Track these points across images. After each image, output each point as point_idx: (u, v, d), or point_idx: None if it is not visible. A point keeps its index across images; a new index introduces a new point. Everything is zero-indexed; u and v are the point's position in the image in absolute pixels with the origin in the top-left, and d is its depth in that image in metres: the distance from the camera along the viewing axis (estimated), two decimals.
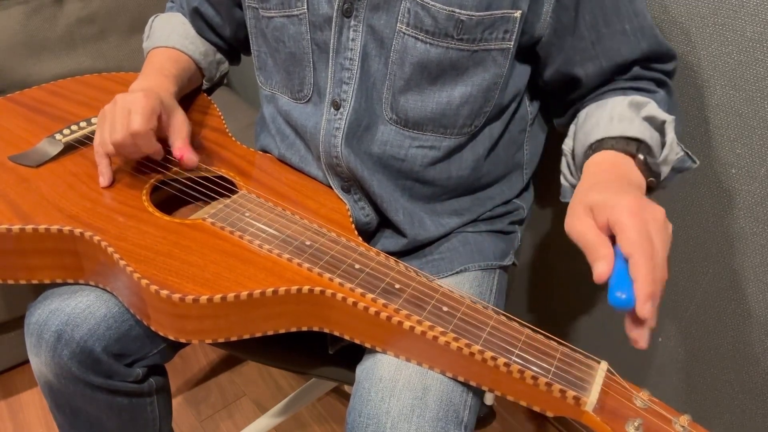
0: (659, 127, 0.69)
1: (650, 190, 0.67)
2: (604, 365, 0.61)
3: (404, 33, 0.71)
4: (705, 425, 0.56)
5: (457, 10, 0.68)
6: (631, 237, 0.53)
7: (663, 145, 0.70)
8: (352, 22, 0.73)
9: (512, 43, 0.71)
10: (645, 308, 0.51)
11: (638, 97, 0.71)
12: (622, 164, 0.66)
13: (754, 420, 0.96)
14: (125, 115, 0.73)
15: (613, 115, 0.69)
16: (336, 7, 0.72)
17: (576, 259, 1.11)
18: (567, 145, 0.77)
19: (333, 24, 0.73)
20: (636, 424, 0.55)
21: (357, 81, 0.75)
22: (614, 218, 0.55)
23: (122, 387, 0.76)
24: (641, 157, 0.66)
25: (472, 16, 0.69)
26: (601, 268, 0.53)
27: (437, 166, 0.79)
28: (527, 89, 0.81)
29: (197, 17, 0.94)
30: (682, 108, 0.86)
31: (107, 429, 0.81)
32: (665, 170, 0.70)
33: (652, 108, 0.69)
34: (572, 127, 0.77)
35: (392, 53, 0.73)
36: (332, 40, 0.74)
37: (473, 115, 0.76)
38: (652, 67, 0.75)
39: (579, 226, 0.57)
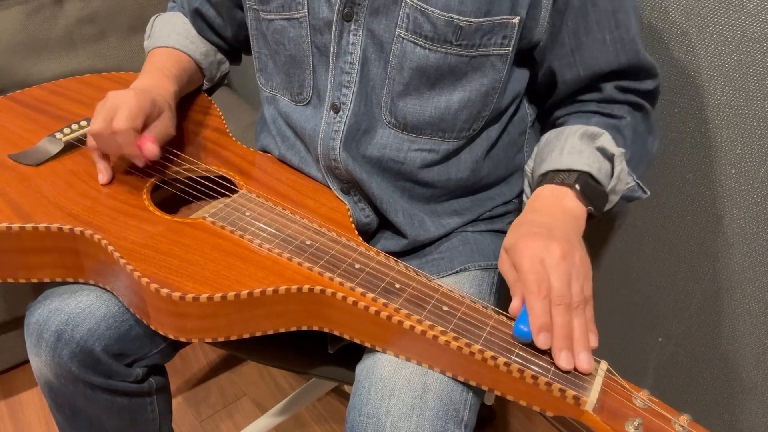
0: (610, 158, 0.72)
1: (592, 217, 0.71)
2: (603, 365, 0.61)
3: (403, 38, 0.71)
4: (705, 425, 0.56)
5: (456, 17, 0.69)
6: (524, 278, 0.60)
7: (611, 175, 0.72)
8: (352, 26, 0.73)
9: (510, 48, 0.72)
10: (539, 339, 0.59)
11: (592, 129, 0.73)
12: (559, 198, 0.70)
13: (754, 420, 0.96)
14: (112, 110, 0.72)
15: (564, 147, 0.72)
16: (336, 11, 0.72)
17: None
18: (528, 166, 0.79)
19: (333, 28, 0.73)
20: (636, 423, 0.55)
21: (356, 85, 0.75)
22: (515, 261, 0.62)
23: (122, 387, 0.76)
24: (577, 187, 0.69)
25: (471, 22, 0.69)
26: (513, 304, 0.62)
27: (435, 169, 0.79)
28: (527, 92, 0.81)
29: (198, 18, 0.94)
30: (682, 108, 0.86)
31: (107, 429, 0.81)
32: (613, 199, 0.74)
33: (605, 140, 0.72)
34: (535, 149, 0.79)
35: (391, 58, 0.73)
36: (332, 44, 0.74)
37: (471, 120, 0.76)
38: (627, 88, 0.76)
39: (500, 265, 0.66)
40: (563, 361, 0.58)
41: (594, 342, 0.60)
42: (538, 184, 0.73)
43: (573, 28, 0.73)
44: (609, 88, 0.76)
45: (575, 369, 0.59)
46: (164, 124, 0.79)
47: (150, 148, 0.74)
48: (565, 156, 0.71)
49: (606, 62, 0.74)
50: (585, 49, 0.74)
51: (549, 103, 0.82)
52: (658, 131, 0.81)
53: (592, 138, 0.72)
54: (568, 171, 0.70)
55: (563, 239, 0.63)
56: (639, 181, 0.76)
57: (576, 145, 0.72)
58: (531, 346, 0.61)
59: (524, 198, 0.79)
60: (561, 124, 0.79)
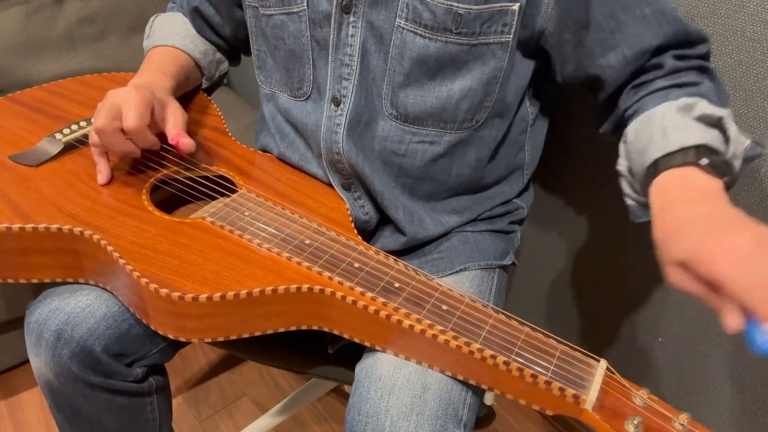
0: (716, 123, 0.64)
1: (728, 188, 0.63)
2: (603, 364, 0.61)
3: (403, 28, 0.71)
4: (705, 425, 0.56)
5: (455, 4, 0.68)
6: (732, 289, 0.50)
7: (727, 140, 0.65)
8: (351, 18, 0.73)
9: (511, 36, 0.71)
10: None
11: (685, 99, 0.66)
12: (688, 180, 0.61)
13: (754, 420, 0.96)
14: (113, 106, 0.72)
15: (666, 126, 0.64)
16: (335, 4, 0.72)
17: (575, 258, 1.11)
18: (622, 165, 0.71)
19: (332, 20, 0.73)
20: (635, 422, 0.55)
21: (357, 77, 0.75)
22: (709, 276, 0.52)
23: (122, 387, 0.76)
24: (705, 162, 0.61)
25: (471, 9, 0.69)
26: (731, 324, 0.51)
27: (438, 162, 0.79)
28: (528, 90, 0.81)
29: (197, 16, 0.94)
30: None
31: (107, 429, 0.81)
32: (737, 164, 0.66)
33: (704, 106, 0.64)
34: (621, 146, 0.72)
35: (391, 48, 0.73)
36: (332, 37, 0.74)
37: (473, 110, 0.76)
38: (686, 56, 0.70)
39: (682, 285, 0.55)
40: None
41: None
42: (652, 176, 0.64)
43: (607, 10, 0.69)
44: (668, 60, 0.70)
45: None
46: (177, 113, 0.80)
47: (187, 142, 0.77)
48: (671, 136, 0.63)
49: (652, 36, 0.69)
50: (626, 28, 0.69)
51: (601, 98, 0.76)
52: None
53: (688, 109, 0.64)
54: (682, 150, 0.62)
55: (738, 221, 0.54)
56: (752, 138, 0.68)
57: (678, 120, 0.64)
58: (531, 345, 0.61)
59: (628, 201, 0.72)
60: (633, 114, 0.71)
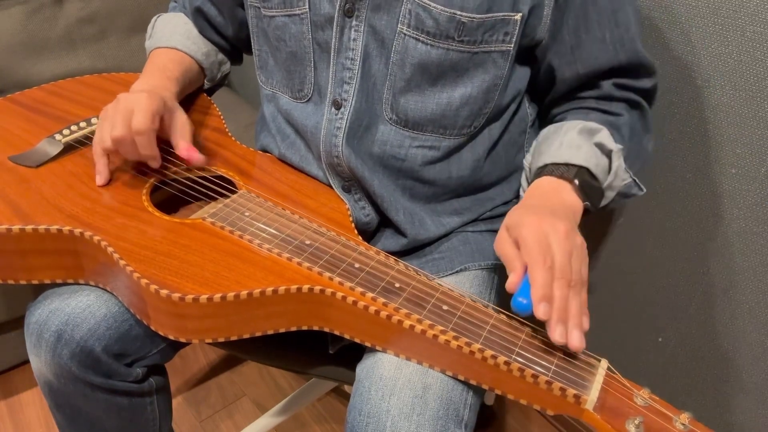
0: (608, 154, 0.72)
1: (587, 213, 0.71)
2: (604, 363, 0.61)
3: (405, 34, 0.71)
4: (705, 425, 0.56)
5: (459, 12, 0.69)
6: (528, 248, 0.60)
7: (608, 171, 0.73)
8: (354, 22, 0.73)
9: (512, 45, 0.72)
10: (539, 309, 0.58)
11: (591, 124, 0.73)
12: (557, 189, 0.70)
13: (755, 420, 0.96)
14: (128, 113, 0.73)
15: (563, 141, 0.72)
16: (338, 7, 0.72)
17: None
18: (526, 160, 0.79)
19: (334, 24, 0.73)
20: (636, 422, 0.55)
21: (358, 81, 0.75)
22: (517, 234, 0.62)
23: (122, 387, 0.76)
24: (577, 182, 0.70)
25: (473, 18, 0.69)
26: (510, 279, 0.61)
27: (437, 166, 0.79)
28: (527, 91, 0.82)
29: (200, 17, 0.94)
30: (683, 108, 0.86)
31: (107, 429, 0.81)
32: (610, 195, 0.74)
33: (603, 136, 0.72)
34: (534, 143, 0.79)
35: (393, 54, 0.73)
36: (333, 40, 0.74)
37: (473, 116, 0.76)
38: (625, 86, 0.76)
39: (497, 241, 0.65)
40: (558, 334, 0.58)
41: (586, 325, 0.60)
42: (536, 176, 0.73)
43: (573, 26, 0.73)
44: (607, 86, 0.77)
45: (566, 346, 0.59)
46: (184, 123, 0.80)
47: (197, 158, 0.78)
48: (564, 150, 0.72)
49: (605, 60, 0.74)
50: (585, 47, 0.74)
51: (547, 99, 0.83)
52: (652, 130, 0.81)
53: (590, 133, 0.72)
54: (567, 165, 0.71)
55: (566, 220, 0.63)
56: (635, 178, 0.76)
57: (575, 139, 0.72)
58: (531, 345, 0.61)
59: (521, 192, 0.79)
60: (559, 120, 0.79)
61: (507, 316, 0.65)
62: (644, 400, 0.58)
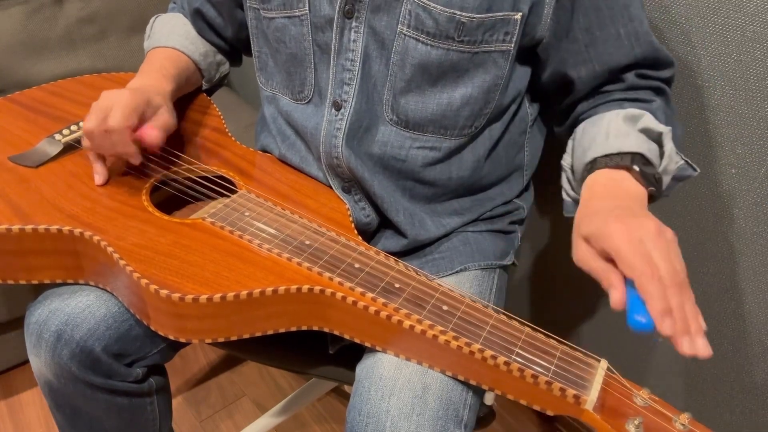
0: (656, 138, 0.70)
1: (652, 200, 0.68)
2: (604, 364, 0.61)
3: (405, 34, 0.71)
4: (705, 425, 0.56)
5: (458, 12, 0.69)
6: (629, 262, 0.55)
7: (662, 155, 0.70)
8: (354, 24, 0.73)
9: (513, 45, 0.72)
10: (664, 325, 0.53)
11: (633, 110, 0.71)
12: (617, 181, 0.67)
13: (754, 420, 0.96)
14: (105, 109, 0.72)
15: (609, 131, 0.69)
16: (337, 9, 0.72)
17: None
18: (566, 161, 0.77)
19: (334, 25, 0.73)
20: (636, 422, 0.55)
21: (358, 82, 0.75)
22: (609, 247, 0.57)
23: (122, 387, 0.76)
24: (636, 168, 0.66)
25: (473, 18, 0.69)
26: (614, 297, 0.56)
27: (437, 167, 0.79)
28: (528, 91, 0.81)
29: (198, 18, 0.94)
30: (682, 108, 0.86)
31: (107, 429, 0.81)
32: (666, 180, 0.71)
33: (648, 120, 0.69)
34: (570, 143, 0.77)
35: (393, 54, 0.73)
36: (333, 41, 0.74)
37: (473, 117, 0.76)
38: (647, 75, 0.75)
39: (581, 256, 0.60)
40: (686, 347, 0.53)
41: (704, 324, 0.55)
42: (588, 172, 0.69)
43: (585, 24, 0.72)
44: (630, 77, 0.75)
45: (695, 355, 0.54)
46: (164, 117, 0.79)
47: (151, 133, 0.74)
48: (612, 140, 0.68)
49: (622, 56, 0.73)
50: (599, 45, 0.73)
51: (566, 102, 0.80)
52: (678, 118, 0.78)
53: (634, 120, 0.70)
54: (619, 154, 0.67)
55: (649, 216, 0.59)
56: (687, 159, 0.73)
57: (621, 128, 0.69)
58: (531, 345, 0.61)
59: (564, 195, 0.77)
60: (588, 117, 0.76)
61: (507, 316, 0.65)
62: (644, 400, 0.58)
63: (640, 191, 0.66)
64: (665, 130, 0.69)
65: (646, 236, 0.56)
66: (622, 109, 0.72)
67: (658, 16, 0.84)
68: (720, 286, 0.92)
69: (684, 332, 0.53)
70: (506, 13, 0.69)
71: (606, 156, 0.68)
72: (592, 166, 0.69)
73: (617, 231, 0.57)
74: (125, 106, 0.72)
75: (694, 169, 0.74)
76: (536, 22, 0.72)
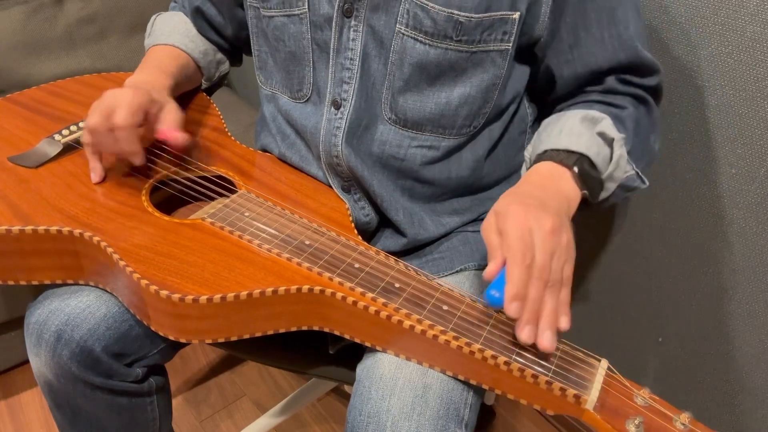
0: (610, 144, 0.70)
1: (587, 203, 0.70)
2: (604, 363, 0.61)
3: (403, 34, 0.71)
4: (705, 425, 0.56)
5: (456, 12, 0.69)
6: (509, 242, 0.58)
7: (610, 161, 0.70)
8: (353, 22, 0.73)
9: (511, 44, 0.72)
10: (511, 307, 0.57)
11: (594, 113, 0.71)
12: (555, 176, 0.68)
13: (754, 420, 0.96)
14: (109, 107, 0.72)
15: (563, 128, 0.71)
16: (336, 7, 0.72)
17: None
18: (527, 151, 0.77)
19: (333, 24, 0.73)
20: (636, 422, 0.55)
21: (357, 81, 0.75)
22: (501, 225, 0.60)
23: (122, 387, 0.76)
24: (575, 169, 0.68)
25: (471, 17, 0.69)
26: (489, 267, 0.59)
27: (436, 166, 0.79)
28: (526, 91, 0.81)
29: (199, 16, 0.94)
30: (683, 108, 0.86)
31: (107, 429, 0.81)
32: (611, 186, 0.72)
33: (606, 125, 0.70)
34: (535, 135, 0.78)
35: (392, 54, 0.73)
36: (333, 40, 0.74)
37: (472, 116, 0.76)
38: (629, 81, 0.75)
39: (484, 226, 0.63)
40: (525, 335, 0.57)
41: (564, 324, 0.58)
42: (535, 162, 0.71)
43: (571, 25, 0.73)
44: (611, 81, 0.75)
45: (534, 346, 0.58)
46: (173, 114, 0.79)
47: (177, 135, 0.76)
48: (563, 137, 0.70)
49: (604, 59, 0.74)
50: (583, 46, 0.73)
51: (550, 99, 0.82)
52: (660, 130, 0.80)
53: (593, 122, 0.71)
54: (567, 152, 0.69)
55: (555, 215, 0.61)
56: (638, 170, 0.74)
57: (575, 127, 0.70)
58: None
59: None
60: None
61: (507, 316, 0.65)
62: (644, 400, 0.58)
63: (571, 192, 0.68)
64: (617, 137, 0.70)
65: (538, 229, 0.59)
66: (587, 110, 0.73)
67: (658, 16, 0.84)
68: (720, 286, 0.92)
69: (529, 322, 0.57)
70: (504, 13, 0.69)
71: (554, 150, 0.70)
72: (540, 157, 0.71)
73: (514, 213, 0.60)
74: (130, 103, 0.72)
75: (643, 182, 0.75)
76: (534, 21, 0.72)
